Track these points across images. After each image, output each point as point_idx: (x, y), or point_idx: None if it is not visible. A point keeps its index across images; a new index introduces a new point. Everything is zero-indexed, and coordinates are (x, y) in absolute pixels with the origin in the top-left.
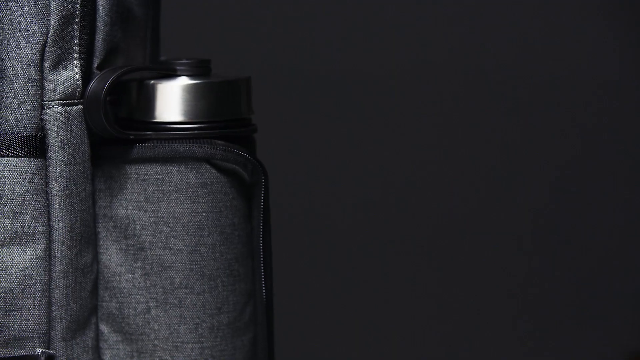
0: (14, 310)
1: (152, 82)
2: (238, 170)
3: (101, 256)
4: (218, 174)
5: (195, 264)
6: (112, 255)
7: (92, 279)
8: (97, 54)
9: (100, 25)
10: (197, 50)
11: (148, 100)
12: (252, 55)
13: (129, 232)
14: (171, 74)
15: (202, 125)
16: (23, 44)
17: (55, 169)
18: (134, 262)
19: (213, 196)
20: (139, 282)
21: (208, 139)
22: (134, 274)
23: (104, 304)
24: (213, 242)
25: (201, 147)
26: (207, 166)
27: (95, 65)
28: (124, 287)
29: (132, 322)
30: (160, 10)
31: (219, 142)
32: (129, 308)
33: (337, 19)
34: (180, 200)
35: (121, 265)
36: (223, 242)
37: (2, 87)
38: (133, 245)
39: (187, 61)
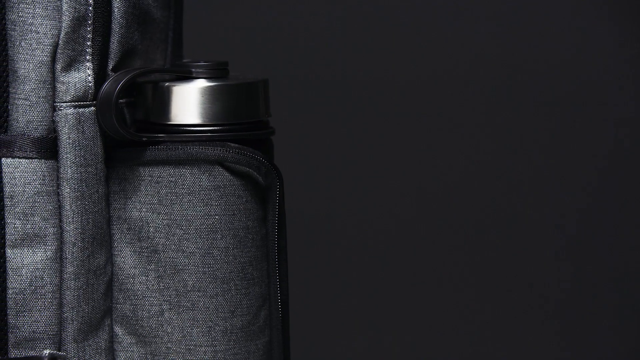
0: (24, 311)
1: (166, 84)
2: (252, 173)
3: (115, 258)
4: (231, 177)
5: (208, 267)
6: (126, 258)
7: (105, 280)
8: (112, 56)
9: (115, 27)
10: (222, 52)
11: (163, 103)
12: (272, 58)
13: (142, 234)
14: (187, 76)
15: (216, 127)
16: (34, 45)
17: (67, 171)
18: (148, 264)
19: (226, 199)
20: (153, 285)
21: (221, 142)
22: (147, 276)
23: (118, 306)
24: (226, 245)
25: (214, 150)
26: (220, 169)
27: (110, 67)
28: (138, 290)
29: (146, 325)
30: (183, 13)
31: (231, 144)
32: (143, 310)
33: (355, 21)
34: (193, 203)
35: (135, 268)
36: (236, 245)
37: (13, 88)
38: (147, 247)
39: (203, 63)
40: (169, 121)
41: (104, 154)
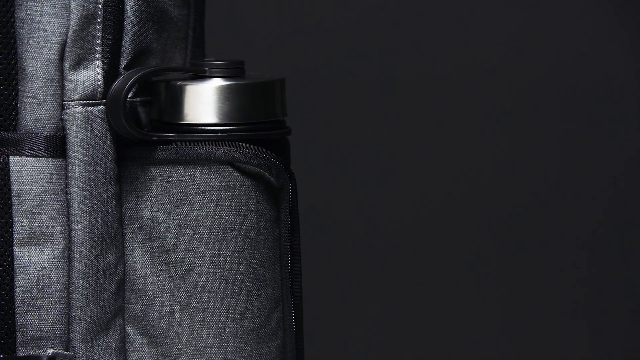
0: (31, 310)
1: (179, 83)
2: (263, 174)
3: (127, 258)
4: (242, 177)
5: (218, 268)
6: (137, 257)
7: (116, 280)
8: (124, 54)
9: (127, 25)
10: (248, 52)
11: (175, 102)
12: (290, 57)
13: (153, 234)
14: (201, 75)
15: (227, 127)
16: (42, 43)
17: (74, 170)
18: (159, 264)
19: (236, 199)
20: (164, 285)
21: (231, 141)
22: (158, 276)
23: (130, 305)
24: (236, 246)
25: (223, 150)
26: (230, 169)
27: (123, 66)
28: (149, 290)
29: (157, 325)
30: (205, 11)
31: (242, 144)
32: (154, 311)
33: (374, 22)
34: (203, 203)
35: (146, 268)
36: (247, 246)
37: (22, 86)
38: (158, 247)
39: (218, 62)
40: (181, 120)
41: (115, 153)
